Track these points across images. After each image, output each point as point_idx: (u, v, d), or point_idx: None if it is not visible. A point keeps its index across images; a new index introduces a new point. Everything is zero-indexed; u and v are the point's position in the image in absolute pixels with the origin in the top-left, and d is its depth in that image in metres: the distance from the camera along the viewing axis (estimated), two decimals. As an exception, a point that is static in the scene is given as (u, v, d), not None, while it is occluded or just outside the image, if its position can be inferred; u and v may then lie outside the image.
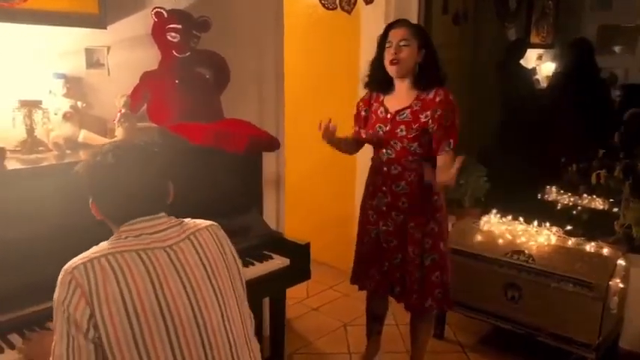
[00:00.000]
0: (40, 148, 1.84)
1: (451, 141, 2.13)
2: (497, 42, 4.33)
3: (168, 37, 2.15)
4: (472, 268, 2.75)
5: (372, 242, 2.32)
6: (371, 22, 3.30)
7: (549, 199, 3.30)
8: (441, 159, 2.14)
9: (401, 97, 2.21)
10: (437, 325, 2.95)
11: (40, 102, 1.81)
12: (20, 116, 1.79)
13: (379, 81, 2.25)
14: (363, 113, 2.32)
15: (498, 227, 2.82)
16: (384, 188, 2.25)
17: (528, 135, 3.66)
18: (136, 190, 1.22)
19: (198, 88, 2.24)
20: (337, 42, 3.57)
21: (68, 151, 1.84)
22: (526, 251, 2.62)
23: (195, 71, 2.27)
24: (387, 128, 2.20)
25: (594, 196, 3.18)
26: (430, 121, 2.12)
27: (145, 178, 1.24)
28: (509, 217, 2.88)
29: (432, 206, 2.22)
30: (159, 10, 2.13)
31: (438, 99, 2.13)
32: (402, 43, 2.13)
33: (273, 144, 2.14)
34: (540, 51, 5.03)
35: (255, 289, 1.98)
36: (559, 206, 3.19)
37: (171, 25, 2.14)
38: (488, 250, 2.71)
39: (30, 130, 1.80)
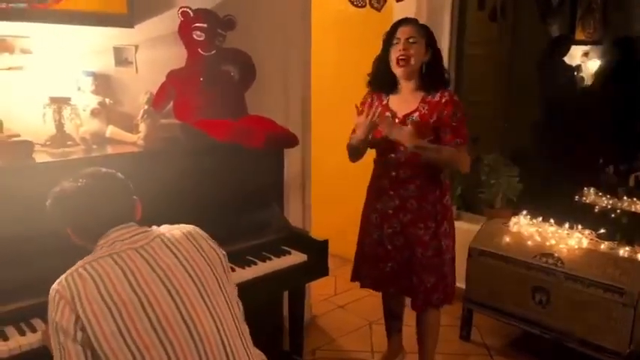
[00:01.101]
0: (69, 143, 1.93)
1: (458, 140, 2.10)
2: (539, 39, 4.20)
3: (194, 36, 2.20)
4: (500, 270, 2.69)
5: (373, 244, 2.30)
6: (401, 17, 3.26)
7: (586, 201, 3.18)
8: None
9: (407, 99, 2.17)
10: (464, 326, 2.91)
11: (69, 99, 1.90)
12: (50, 112, 1.88)
13: (383, 81, 2.21)
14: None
15: (528, 229, 2.75)
16: (391, 192, 2.22)
17: (567, 135, 3.54)
18: (106, 209, 1.32)
19: (223, 85, 2.29)
20: (368, 40, 3.54)
21: (95, 146, 1.93)
22: (555, 254, 2.54)
23: (220, 69, 2.32)
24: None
25: (635, 199, 3.05)
26: (438, 122, 2.10)
27: (112, 197, 1.33)
28: (540, 219, 2.80)
29: (443, 207, 2.20)
30: (185, 9, 2.19)
31: (444, 100, 2.10)
32: (411, 40, 2.09)
33: (291, 140, 2.17)
34: (586, 48, 4.84)
35: (273, 283, 2.04)
36: (596, 209, 3.07)
37: (197, 24, 2.19)
38: (516, 252, 2.65)
39: (59, 126, 1.89)
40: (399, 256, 2.24)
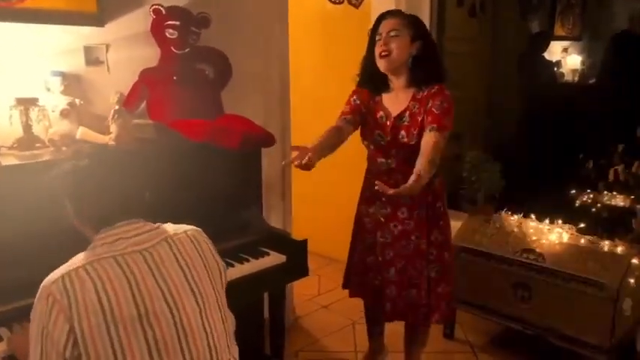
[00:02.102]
0: (37, 145, 1.87)
1: (435, 125, 1.91)
2: (518, 34, 4.21)
3: (167, 34, 2.16)
4: (482, 266, 2.68)
5: (364, 251, 2.21)
6: (378, 13, 3.24)
7: (567, 196, 3.18)
8: (423, 141, 1.91)
9: (398, 97, 2.06)
10: (447, 324, 2.90)
11: (36, 99, 1.85)
12: (17, 114, 1.82)
13: (372, 79, 2.09)
14: (357, 101, 2.11)
15: (510, 225, 2.73)
16: (383, 199, 2.08)
17: (547, 130, 3.55)
18: (116, 194, 1.24)
19: (198, 84, 2.25)
20: (349, 37, 3.52)
21: (64, 148, 1.87)
22: (537, 250, 2.53)
23: (194, 68, 2.28)
24: (389, 138, 2.04)
25: (614, 193, 3.05)
26: (425, 115, 1.97)
27: (125, 182, 1.27)
28: (521, 215, 2.79)
29: (434, 213, 2.10)
30: (157, 7, 2.15)
31: (432, 91, 1.98)
32: (392, 34, 1.97)
33: (268, 140, 2.13)
34: (566, 43, 4.87)
35: (251, 285, 2.01)
36: (577, 204, 3.07)
37: (170, 22, 2.16)
38: (497, 249, 2.63)
39: (26, 128, 1.84)
40: (389, 271, 2.13)
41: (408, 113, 2.03)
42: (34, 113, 1.84)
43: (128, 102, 2.13)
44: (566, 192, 3.25)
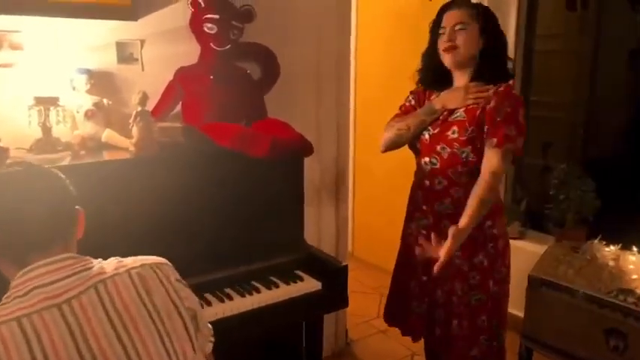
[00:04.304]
0: (59, 148, 1.74)
1: (494, 140, 1.64)
2: (628, 29, 3.62)
3: (205, 29, 1.97)
4: (566, 305, 2.24)
5: (407, 275, 1.92)
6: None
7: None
8: (484, 162, 1.68)
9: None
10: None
11: (56, 99, 1.72)
12: (36, 114, 1.70)
13: (434, 75, 1.84)
14: (412, 102, 1.92)
15: (604, 257, 2.29)
16: (424, 207, 1.83)
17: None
18: (30, 217, 0.96)
19: (238, 84, 2.04)
20: (423, 33, 3.19)
21: (82, 152, 1.73)
22: (637, 290, 2.07)
23: (235, 66, 2.07)
24: (436, 131, 1.78)
25: None
26: (484, 116, 1.69)
27: (41, 201, 0.97)
28: (619, 246, 2.32)
29: (482, 233, 1.76)
30: (196, -1, 1.96)
31: (498, 90, 1.70)
32: (457, 27, 1.72)
33: (304, 148, 1.87)
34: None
35: (279, 315, 1.76)
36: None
37: (209, 15, 1.96)
38: (587, 286, 2.19)
39: (45, 129, 1.71)
40: (436, 292, 1.85)
41: (464, 109, 1.75)
42: (53, 113, 1.71)
43: (161, 104, 1.97)
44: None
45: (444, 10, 1.79)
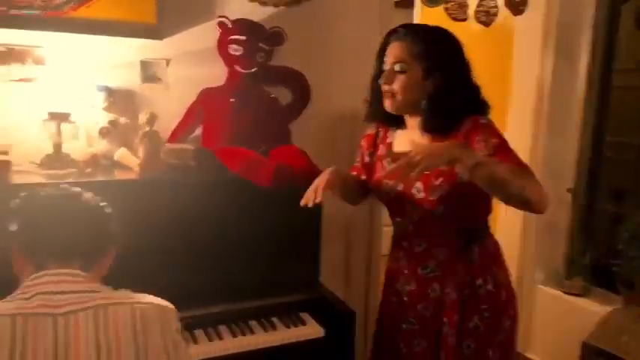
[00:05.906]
0: (67, 165, 1.72)
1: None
2: None
3: (230, 50, 1.90)
4: (624, 382, 1.91)
5: (389, 342, 1.59)
6: (523, 35, 2.64)
7: None
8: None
9: (414, 138, 1.47)
10: None
11: (68, 115, 1.70)
12: (49, 129, 1.69)
13: (383, 111, 1.50)
14: (366, 158, 1.63)
15: (675, 330, 1.93)
16: (405, 271, 1.54)
17: None
18: (60, 231, 1.02)
19: (259, 108, 1.94)
20: (485, 61, 2.96)
21: (88, 170, 1.69)
22: None
23: (260, 90, 1.98)
24: (400, 188, 1.49)
25: None
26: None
27: (69, 221, 1.03)
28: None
29: (472, 294, 1.47)
30: (222, 19, 1.90)
31: (463, 131, 1.41)
32: (396, 68, 1.42)
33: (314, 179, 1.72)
34: None
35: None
36: None
37: (234, 37, 1.89)
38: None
39: (56, 145, 1.70)
40: None
41: None
42: (67, 129, 1.70)
43: (178, 129, 1.91)
44: None
45: (389, 36, 1.49)
